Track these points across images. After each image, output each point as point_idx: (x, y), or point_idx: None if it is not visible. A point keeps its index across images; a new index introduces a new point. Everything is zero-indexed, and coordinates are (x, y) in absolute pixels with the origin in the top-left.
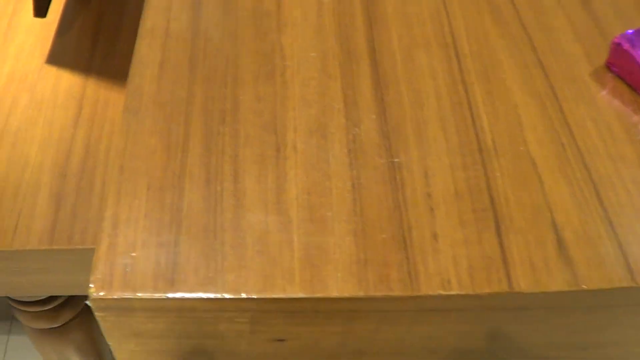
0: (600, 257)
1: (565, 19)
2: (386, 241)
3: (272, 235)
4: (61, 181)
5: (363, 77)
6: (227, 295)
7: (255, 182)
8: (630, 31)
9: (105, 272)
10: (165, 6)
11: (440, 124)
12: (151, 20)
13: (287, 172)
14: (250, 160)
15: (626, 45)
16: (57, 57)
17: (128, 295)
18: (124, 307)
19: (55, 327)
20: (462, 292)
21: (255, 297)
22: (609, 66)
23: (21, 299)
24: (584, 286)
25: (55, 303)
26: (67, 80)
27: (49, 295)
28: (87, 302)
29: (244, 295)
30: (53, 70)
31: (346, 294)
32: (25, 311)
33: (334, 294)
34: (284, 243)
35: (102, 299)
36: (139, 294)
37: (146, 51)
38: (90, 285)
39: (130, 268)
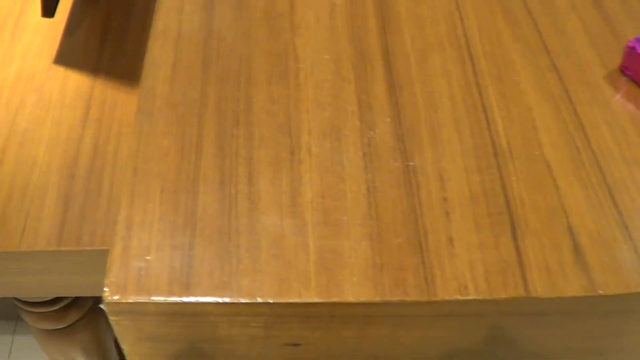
0: (616, 261)
1: (578, 21)
2: (402, 245)
3: (287, 239)
4: (69, 182)
5: (377, 80)
6: (242, 300)
7: (270, 185)
8: None
9: (119, 275)
10: (177, 7)
11: (454, 127)
12: (163, 21)
13: (302, 175)
14: (264, 162)
15: None
16: (65, 57)
17: (142, 299)
18: (138, 311)
19: (61, 328)
20: (479, 297)
21: (270, 301)
22: (623, 70)
23: (27, 300)
24: (601, 291)
25: (62, 304)
26: (74, 81)
27: (56, 296)
28: (101, 306)
29: (259, 300)
30: (61, 71)
31: (362, 299)
32: (31, 312)
33: (350, 298)
34: (299, 246)
35: (116, 303)
36: (154, 298)
37: (158, 52)
38: (105, 288)
39: (145, 271)
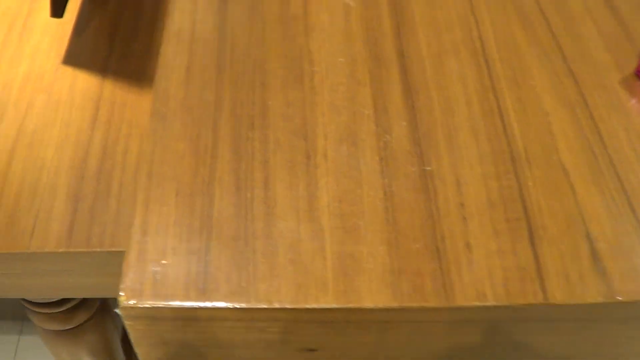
0: (634, 268)
1: (593, 25)
2: (419, 251)
3: (304, 244)
4: (78, 183)
5: (393, 83)
6: (259, 305)
7: (286, 189)
8: None
9: (135, 280)
10: (190, 9)
11: (471, 131)
12: (177, 23)
13: (318, 179)
14: (280, 166)
15: None
16: (74, 57)
17: (159, 304)
18: (154, 316)
19: (68, 329)
20: (498, 304)
21: (288, 307)
22: (639, 75)
23: (35, 300)
24: (619, 298)
25: (69, 305)
26: (83, 81)
27: (64, 297)
28: (117, 310)
29: (276, 305)
30: (69, 71)
31: (380, 305)
32: (38, 312)
33: (368, 304)
34: (316, 252)
35: (132, 308)
36: (170, 303)
37: (172, 55)
38: (121, 293)
39: (161, 276)
